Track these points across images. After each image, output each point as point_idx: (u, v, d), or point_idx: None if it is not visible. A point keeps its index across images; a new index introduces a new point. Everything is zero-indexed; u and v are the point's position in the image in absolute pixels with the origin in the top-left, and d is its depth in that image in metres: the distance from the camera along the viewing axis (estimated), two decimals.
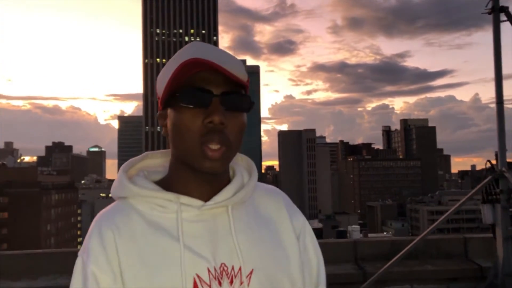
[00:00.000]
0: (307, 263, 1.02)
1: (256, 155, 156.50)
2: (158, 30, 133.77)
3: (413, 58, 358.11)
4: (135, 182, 0.96)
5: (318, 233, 76.43)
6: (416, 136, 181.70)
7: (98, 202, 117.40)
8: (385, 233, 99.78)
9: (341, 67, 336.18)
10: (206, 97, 0.88)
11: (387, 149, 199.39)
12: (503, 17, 4.23)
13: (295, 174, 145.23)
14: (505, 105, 4.22)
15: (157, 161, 1.06)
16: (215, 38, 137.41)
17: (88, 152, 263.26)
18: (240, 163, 1.06)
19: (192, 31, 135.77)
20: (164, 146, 1.45)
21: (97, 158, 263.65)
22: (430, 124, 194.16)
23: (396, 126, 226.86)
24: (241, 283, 0.90)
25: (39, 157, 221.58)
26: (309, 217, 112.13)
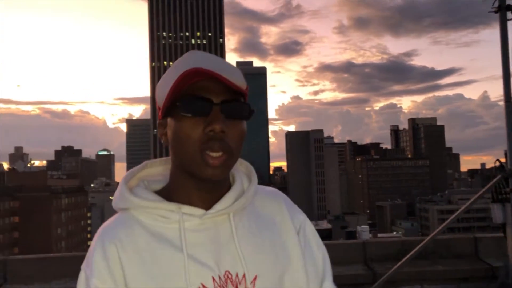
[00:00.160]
0: (311, 258, 1.02)
1: (264, 156, 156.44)
2: (164, 34, 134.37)
3: (420, 57, 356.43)
4: (136, 194, 0.96)
5: (327, 234, 76.07)
6: (425, 135, 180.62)
7: (107, 205, 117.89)
8: (394, 233, 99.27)
9: (348, 67, 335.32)
10: (206, 106, 0.88)
11: (395, 148, 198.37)
12: (510, 15, 4.20)
13: (303, 175, 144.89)
14: None
15: (157, 169, 1.06)
16: (221, 40, 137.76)
17: (97, 155, 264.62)
18: (240, 168, 1.06)
19: (198, 34, 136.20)
20: None
21: (106, 162, 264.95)
22: (438, 123, 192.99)
23: (404, 125, 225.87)
24: None
25: (49, 161, 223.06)
26: (318, 217, 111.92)
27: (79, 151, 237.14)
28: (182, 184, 0.95)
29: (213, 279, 0.90)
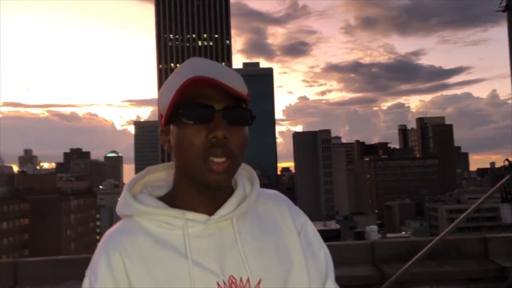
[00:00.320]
0: (313, 258, 1.03)
1: (271, 157, 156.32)
2: (171, 36, 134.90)
3: (428, 56, 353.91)
4: (140, 200, 0.97)
5: (336, 234, 75.82)
6: (433, 135, 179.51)
7: (116, 207, 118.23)
8: (403, 232, 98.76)
9: (355, 67, 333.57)
10: (208, 113, 0.89)
11: (403, 148, 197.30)
12: None
13: (311, 175, 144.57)
14: None
15: (160, 174, 1.07)
16: (228, 42, 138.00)
17: (106, 157, 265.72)
18: (242, 172, 1.06)
19: (205, 35, 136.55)
20: None
21: (114, 164, 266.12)
22: (447, 122, 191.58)
23: (412, 124, 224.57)
24: None
25: (58, 164, 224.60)
26: (326, 218, 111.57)
27: (87, 153, 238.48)
28: (186, 190, 0.96)
29: (218, 284, 0.90)
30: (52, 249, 65.67)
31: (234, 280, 0.92)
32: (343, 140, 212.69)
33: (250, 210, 0.99)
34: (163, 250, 0.92)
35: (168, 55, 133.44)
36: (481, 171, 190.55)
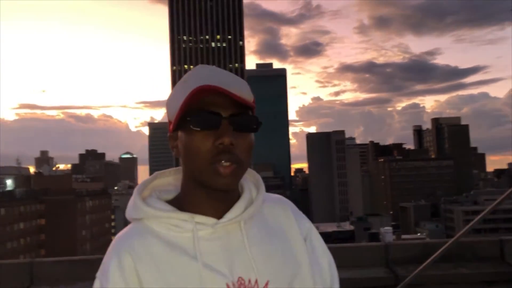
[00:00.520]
0: (317, 265, 1.05)
1: (285, 158, 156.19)
2: (184, 37, 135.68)
3: (443, 56, 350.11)
4: (149, 204, 0.99)
5: (350, 235, 75.43)
6: (449, 135, 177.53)
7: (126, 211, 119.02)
8: (418, 234, 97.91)
9: (369, 67, 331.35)
10: (216, 120, 0.92)
11: (418, 149, 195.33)
12: None
13: (324, 176, 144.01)
14: None
15: (168, 179, 1.10)
16: (241, 43, 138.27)
17: (120, 159, 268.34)
18: (248, 177, 1.08)
19: (218, 37, 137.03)
20: None
21: (129, 165, 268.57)
22: (462, 122, 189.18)
23: (427, 125, 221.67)
24: None
25: (73, 165, 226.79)
26: (340, 219, 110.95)
27: (102, 155, 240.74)
28: (194, 194, 0.98)
29: (227, 285, 0.92)
30: (68, 249, 66.56)
31: (243, 281, 0.94)
32: (357, 141, 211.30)
33: (256, 214, 1.02)
34: (173, 252, 0.94)
35: (181, 56, 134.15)
36: (498, 172, 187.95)
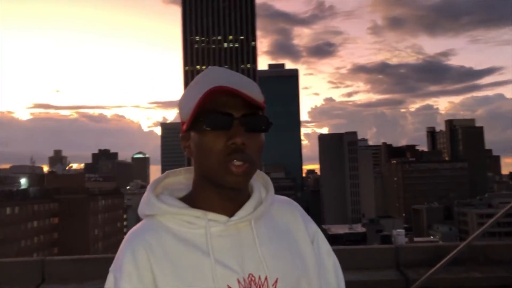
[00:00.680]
0: (323, 268, 1.08)
1: (296, 159, 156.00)
2: (197, 38, 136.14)
3: (458, 57, 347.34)
4: (163, 200, 1.02)
5: (362, 238, 74.92)
6: (463, 137, 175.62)
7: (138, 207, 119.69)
8: (431, 237, 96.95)
9: (383, 68, 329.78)
10: (228, 120, 0.94)
11: (432, 150, 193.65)
12: None
13: (336, 177, 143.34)
14: None
15: (179, 178, 1.12)
16: (253, 43, 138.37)
17: (133, 158, 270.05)
18: (257, 178, 1.11)
19: (230, 37, 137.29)
20: None
21: (141, 164, 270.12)
22: (477, 124, 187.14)
23: (441, 127, 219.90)
24: None
25: (86, 164, 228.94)
26: (352, 221, 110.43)
27: (115, 154, 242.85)
28: (205, 192, 1.01)
29: (238, 281, 0.95)
30: (80, 247, 67.20)
31: (253, 278, 0.96)
32: (370, 143, 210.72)
33: (265, 213, 1.05)
34: (186, 247, 0.97)
35: (194, 57, 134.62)
36: None
